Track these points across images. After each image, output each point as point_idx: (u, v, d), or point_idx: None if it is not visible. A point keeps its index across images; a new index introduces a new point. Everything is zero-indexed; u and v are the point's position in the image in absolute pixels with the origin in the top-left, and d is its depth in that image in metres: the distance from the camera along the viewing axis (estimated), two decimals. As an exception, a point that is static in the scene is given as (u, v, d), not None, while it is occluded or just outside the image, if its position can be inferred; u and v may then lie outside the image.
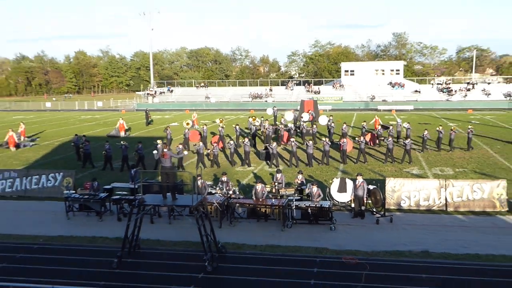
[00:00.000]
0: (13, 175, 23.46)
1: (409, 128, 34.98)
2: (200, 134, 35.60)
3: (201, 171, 25.59)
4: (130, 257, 14.82)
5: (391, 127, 34.93)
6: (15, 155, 34.21)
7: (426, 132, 32.51)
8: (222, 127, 36.46)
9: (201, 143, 29.65)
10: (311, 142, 29.56)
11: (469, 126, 34.75)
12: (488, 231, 16.98)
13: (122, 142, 29.26)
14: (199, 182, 19.15)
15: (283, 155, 31.35)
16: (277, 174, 20.98)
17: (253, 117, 40.85)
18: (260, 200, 18.59)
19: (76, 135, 33.92)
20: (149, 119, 54.78)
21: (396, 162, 28.57)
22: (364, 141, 29.65)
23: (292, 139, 30.12)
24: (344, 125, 36.17)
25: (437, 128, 33.18)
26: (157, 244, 16.17)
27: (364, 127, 37.33)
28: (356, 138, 32.09)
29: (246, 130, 41.11)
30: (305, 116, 41.03)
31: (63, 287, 9.71)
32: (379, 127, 37.19)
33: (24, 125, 43.59)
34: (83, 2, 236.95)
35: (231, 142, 30.54)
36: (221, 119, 42.11)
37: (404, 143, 29.45)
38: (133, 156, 28.05)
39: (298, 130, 38.81)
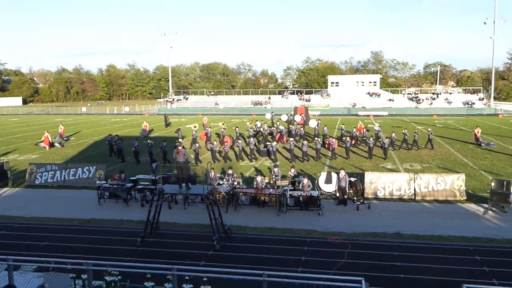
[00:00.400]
0: (54, 168, 23.43)
1: (379, 130, 35.43)
2: (206, 134, 35.62)
3: (212, 165, 25.57)
4: (152, 237, 14.77)
5: (364, 130, 35.43)
6: (56, 151, 34.14)
7: (393, 134, 32.91)
8: (224, 128, 36.51)
9: (215, 142, 29.63)
10: (305, 141, 29.51)
11: (429, 129, 34.93)
12: (450, 216, 16.91)
13: (148, 140, 29.36)
14: (212, 174, 19.21)
15: (282, 153, 31.21)
16: (274, 168, 20.92)
17: (250, 121, 40.94)
18: (260, 190, 18.58)
19: (109, 134, 33.79)
20: (167, 122, 54.57)
21: (375, 158, 28.50)
22: (349, 141, 29.57)
23: (291, 139, 30.15)
24: (325, 128, 36.43)
25: (403, 131, 33.39)
26: (174, 226, 16.14)
27: (342, 129, 37.32)
28: (344, 138, 31.92)
29: (245, 132, 40.96)
30: (298, 118, 41.18)
31: (95, 262, 9.64)
32: (355, 130, 37.01)
33: (63, 126, 43.49)
34: (114, 24, 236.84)
35: (239, 141, 30.43)
36: (223, 122, 41.97)
37: (383, 142, 29.41)
38: (158, 152, 28.07)
39: (291, 131, 38.92)
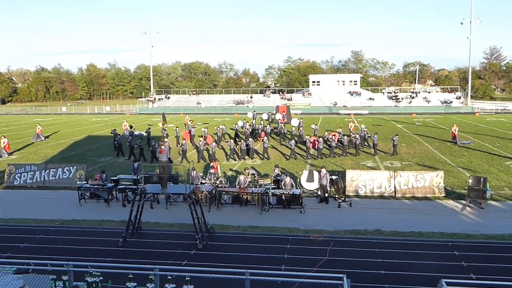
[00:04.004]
0: (33, 168, 23.00)
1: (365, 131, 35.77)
2: (190, 133, 35.41)
3: (193, 164, 25.44)
4: (133, 237, 14.64)
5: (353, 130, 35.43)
6: (35, 152, 33.52)
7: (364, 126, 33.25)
8: (206, 128, 36.36)
9: (214, 143, 29.51)
10: (293, 141, 29.63)
11: (364, 128, 34.71)
12: (429, 213, 17.16)
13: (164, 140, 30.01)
14: (193, 173, 19.13)
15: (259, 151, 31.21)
16: (250, 171, 21.13)
17: (192, 121, 40.71)
18: (243, 188, 18.55)
19: (116, 133, 33.38)
20: (165, 120, 54.03)
21: (353, 156, 28.82)
22: (322, 141, 29.63)
23: (295, 140, 30.37)
24: (314, 125, 36.78)
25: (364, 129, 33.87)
26: (156, 226, 16.01)
27: (315, 129, 37.34)
28: (328, 137, 31.84)
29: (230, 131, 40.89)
30: (278, 116, 41.35)
31: (75, 263, 9.50)
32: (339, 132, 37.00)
33: (41, 126, 42.71)
34: (94, 23, 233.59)
35: (250, 139, 30.28)
36: (191, 120, 41.31)
37: (392, 139, 29.94)
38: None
39: (275, 130, 39.00)
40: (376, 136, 30.17)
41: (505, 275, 11.42)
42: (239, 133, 38.14)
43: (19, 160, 29.46)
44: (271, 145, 32.77)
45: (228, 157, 28.99)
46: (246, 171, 21.17)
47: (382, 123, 51.05)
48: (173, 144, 32.63)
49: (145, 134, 35.54)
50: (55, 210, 18.18)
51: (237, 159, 28.56)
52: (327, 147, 30.18)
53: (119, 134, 32.51)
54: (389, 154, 29.56)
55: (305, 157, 28.71)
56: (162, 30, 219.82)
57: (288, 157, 28.57)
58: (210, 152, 28.62)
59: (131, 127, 35.97)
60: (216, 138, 34.53)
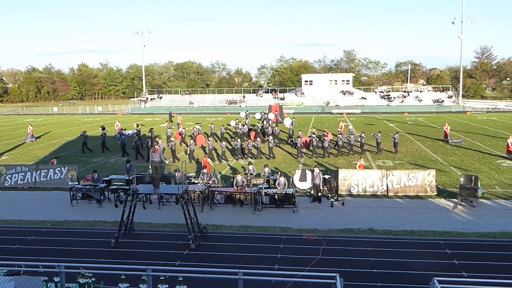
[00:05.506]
0: (24, 169, 22.81)
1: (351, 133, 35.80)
2: (181, 134, 35.29)
3: (185, 164, 25.37)
4: (126, 237, 14.55)
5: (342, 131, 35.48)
6: (26, 152, 33.25)
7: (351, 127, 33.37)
8: (184, 128, 36.28)
9: (192, 142, 29.38)
10: (299, 139, 29.71)
11: (342, 132, 33.84)
12: (421, 211, 17.25)
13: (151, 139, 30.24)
14: (177, 174, 19.06)
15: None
16: (249, 166, 20.96)
17: (168, 121, 40.74)
18: (239, 188, 18.49)
19: (86, 135, 33.37)
20: (171, 119, 53.72)
21: (349, 155, 28.90)
22: (300, 139, 29.90)
23: (302, 136, 30.43)
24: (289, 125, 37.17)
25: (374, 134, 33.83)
26: (149, 226, 15.94)
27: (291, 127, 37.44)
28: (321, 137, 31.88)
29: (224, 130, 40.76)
30: (271, 115, 41.29)
31: (67, 264, 9.44)
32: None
33: (32, 126, 42.39)
34: (86, 23, 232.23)
35: (258, 139, 30.20)
36: (138, 124, 40.56)
37: (393, 137, 30.18)
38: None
39: (265, 130, 38.88)
40: (379, 134, 30.29)
41: (497, 272, 11.49)
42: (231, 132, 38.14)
43: (10, 161, 29.23)
44: (276, 144, 32.89)
45: (236, 157, 28.98)
46: (250, 166, 21.09)
47: (375, 122, 51.25)
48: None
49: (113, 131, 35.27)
50: (46, 211, 18.04)
51: (241, 159, 28.52)
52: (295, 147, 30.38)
53: (123, 135, 32.33)
54: (389, 152, 29.70)
55: (310, 156, 28.89)
56: (154, 30, 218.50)
57: (296, 156, 28.83)
58: (219, 152, 28.60)
59: (103, 128, 35.58)
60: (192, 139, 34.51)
